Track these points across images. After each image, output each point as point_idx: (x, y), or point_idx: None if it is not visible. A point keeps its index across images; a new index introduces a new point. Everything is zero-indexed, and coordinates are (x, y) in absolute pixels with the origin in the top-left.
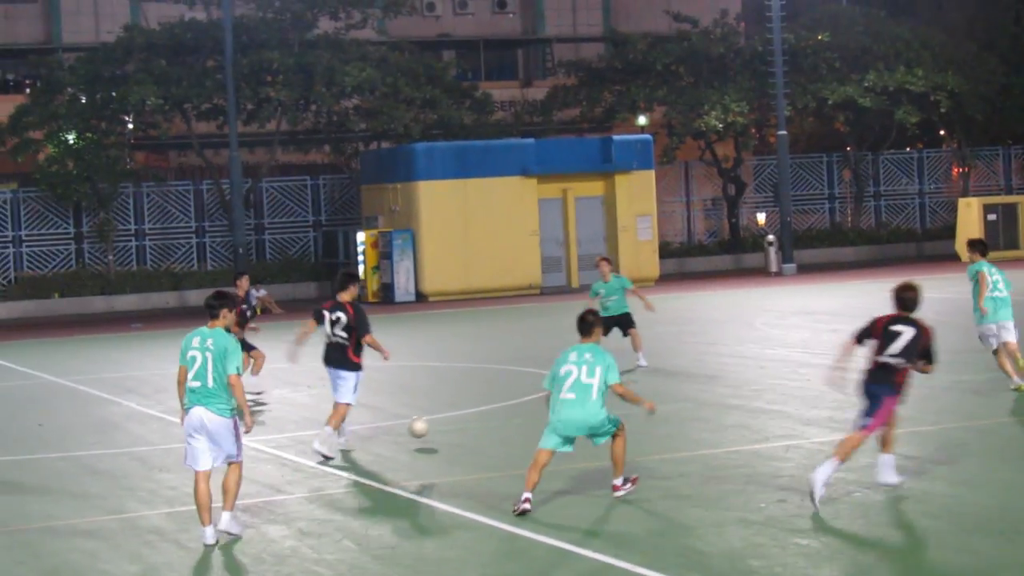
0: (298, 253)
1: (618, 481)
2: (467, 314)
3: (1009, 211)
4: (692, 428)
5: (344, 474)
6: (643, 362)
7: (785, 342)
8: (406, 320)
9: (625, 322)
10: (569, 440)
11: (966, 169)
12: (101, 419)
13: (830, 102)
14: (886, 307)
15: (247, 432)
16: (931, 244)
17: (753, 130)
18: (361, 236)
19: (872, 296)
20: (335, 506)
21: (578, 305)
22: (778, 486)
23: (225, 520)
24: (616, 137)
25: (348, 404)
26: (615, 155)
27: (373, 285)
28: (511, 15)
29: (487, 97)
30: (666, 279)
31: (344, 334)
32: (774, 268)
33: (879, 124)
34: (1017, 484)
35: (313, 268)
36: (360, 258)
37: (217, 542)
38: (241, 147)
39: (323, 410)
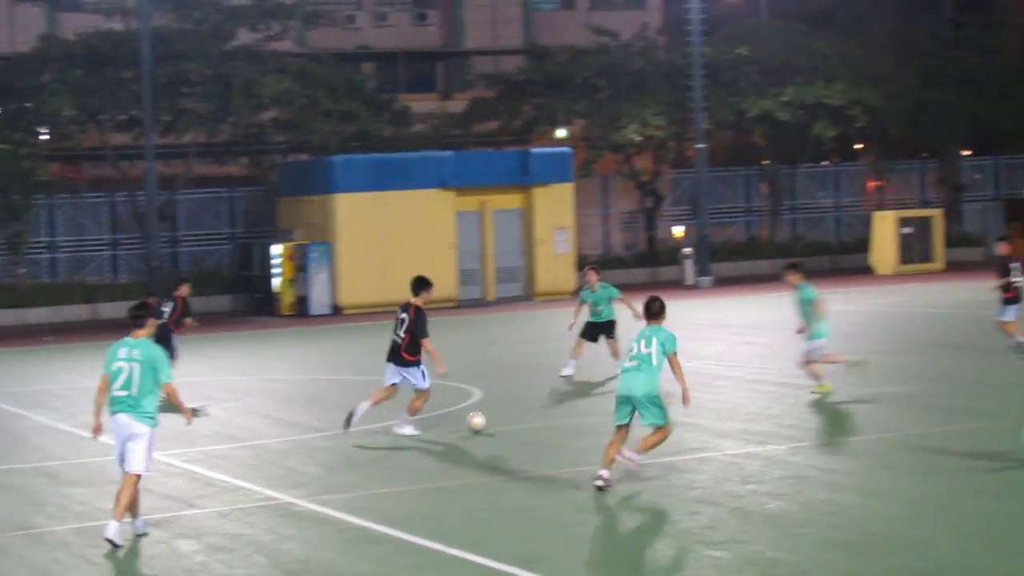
0: (213, 266)
1: (633, 455)
2: (383, 327)
3: (923, 225)
4: (608, 440)
5: (256, 488)
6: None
7: (700, 354)
8: (322, 333)
9: (609, 329)
10: (628, 403)
11: (882, 183)
12: (9, 433)
13: (748, 115)
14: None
15: (188, 424)
16: (846, 257)
17: (672, 143)
18: (277, 249)
19: (788, 308)
20: (246, 520)
21: (495, 318)
22: (691, 498)
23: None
24: (535, 150)
25: (427, 389)
26: (533, 168)
27: (289, 298)
28: (431, 28)
29: (406, 109)
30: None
31: (403, 334)
32: (690, 281)
33: (797, 138)
34: (925, 496)
35: (228, 281)
36: (275, 271)
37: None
38: (157, 159)
39: (236, 424)
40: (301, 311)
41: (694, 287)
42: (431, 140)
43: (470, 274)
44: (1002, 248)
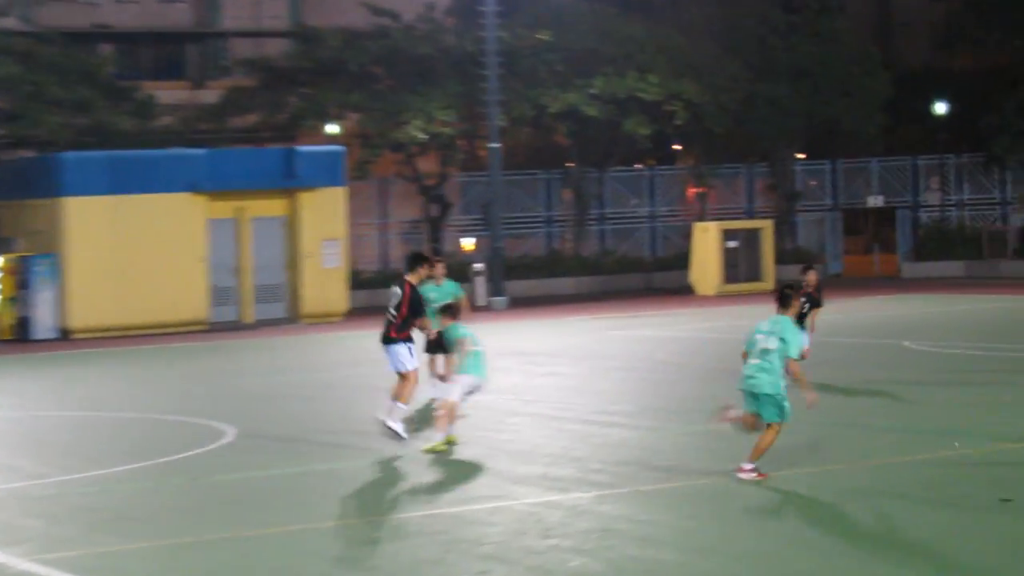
0: None
1: (747, 465)
2: (120, 354)
3: (752, 237)
4: (383, 487)
5: None
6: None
7: (493, 387)
8: (46, 361)
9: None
10: (753, 397)
11: (704, 189)
12: None
13: (550, 111)
14: (611, 346)
15: None
16: (662, 275)
17: (461, 142)
18: None
19: (596, 334)
20: None
21: (253, 343)
22: (482, 555)
23: None
24: (301, 148)
25: (412, 371)
26: (299, 169)
27: (7, 320)
28: (181, 5)
29: (151, 99)
30: (357, 313)
31: (394, 312)
32: (482, 301)
33: (606, 137)
34: (751, 553)
35: None
36: None
37: None
38: None
39: None
40: (22, 335)
41: (486, 308)
42: (180, 135)
43: (224, 292)
44: (812, 278)
